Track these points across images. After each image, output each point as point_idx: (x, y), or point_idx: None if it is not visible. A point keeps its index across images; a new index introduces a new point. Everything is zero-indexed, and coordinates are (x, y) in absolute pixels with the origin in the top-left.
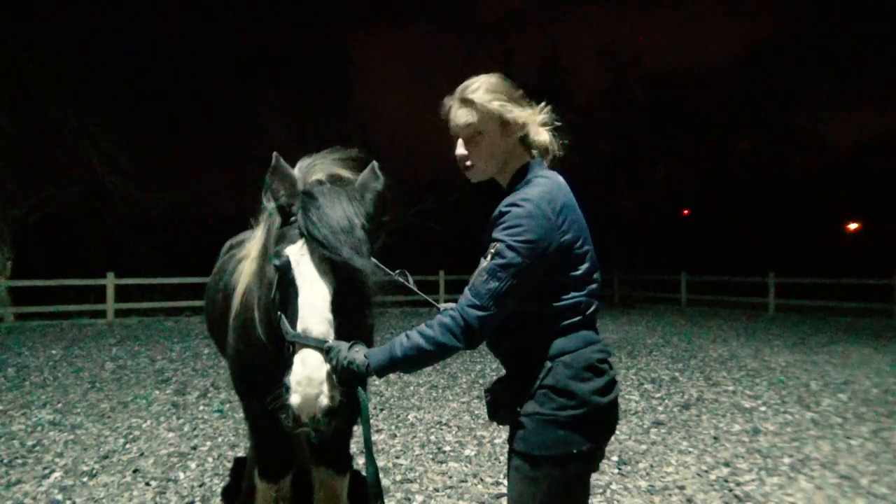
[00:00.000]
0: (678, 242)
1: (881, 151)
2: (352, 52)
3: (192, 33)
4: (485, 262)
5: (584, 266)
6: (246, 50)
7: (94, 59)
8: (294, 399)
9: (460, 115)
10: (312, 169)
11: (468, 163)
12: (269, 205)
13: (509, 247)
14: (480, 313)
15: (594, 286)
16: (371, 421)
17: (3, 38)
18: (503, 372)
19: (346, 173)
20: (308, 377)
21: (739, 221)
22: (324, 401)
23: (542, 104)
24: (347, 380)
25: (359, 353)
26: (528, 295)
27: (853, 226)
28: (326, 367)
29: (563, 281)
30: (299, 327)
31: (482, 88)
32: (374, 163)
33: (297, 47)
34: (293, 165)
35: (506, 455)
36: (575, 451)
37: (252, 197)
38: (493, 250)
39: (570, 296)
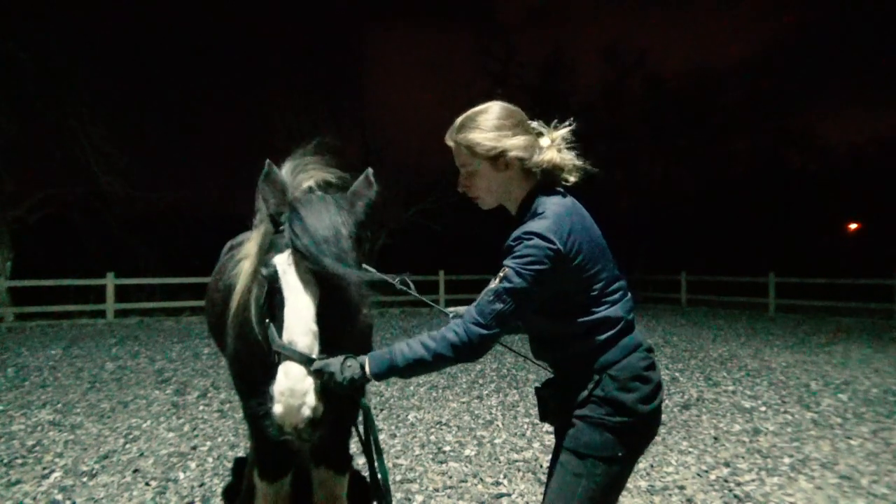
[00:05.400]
0: (678, 242)
1: (881, 151)
2: (359, 50)
3: (192, 31)
4: (493, 284)
5: (599, 285)
6: (249, 48)
7: (94, 59)
8: (277, 409)
9: (455, 154)
10: (301, 173)
11: (471, 195)
12: (261, 208)
13: (517, 273)
14: (483, 331)
15: (616, 296)
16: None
17: (3, 38)
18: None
19: (335, 178)
20: (290, 388)
21: (739, 221)
22: (306, 412)
23: (555, 122)
24: (346, 393)
25: (353, 367)
26: (554, 315)
27: (853, 226)
28: (310, 379)
29: (582, 300)
30: (285, 338)
31: (471, 127)
32: (369, 170)
33: (304, 46)
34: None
35: (505, 455)
36: (620, 454)
37: (251, 197)
38: (501, 274)
39: (594, 312)
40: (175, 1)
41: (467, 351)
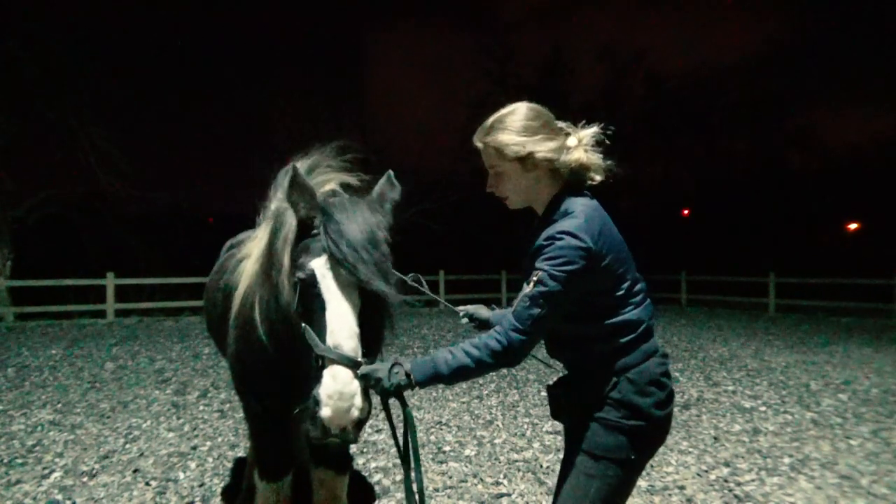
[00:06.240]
0: (678, 242)
1: (881, 151)
2: (359, 50)
3: (193, 32)
4: (527, 289)
5: (626, 284)
6: (250, 49)
7: (94, 59)
8: (325, 412)
9: (483, 156)
10: (320, 175)
11: (499, 195)
12: (275, 205)
13: (551, 276)
14: (523, 337)
15: (639, 298)
16: (371, 421)
17: (3, 38)
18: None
19: (355, 180)
20: (340, 392)
21: (739, 221)
22: (354, 413)
23: (582, 123)
24: (389, 399)
25: (400, 374)
26: (577, 317)
27: (853, 226)
28: (356, 381)
29: (609, 302)
30: (330, 342)
31: (499, 128)
32: (390, 172)
33: (304, 47)
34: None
35: (505, 455)
36: (632, 457)
37: (254, 197)
38: (535, 278)
39: (618, 314)
40: (176, 1)
41: (509, 357)
